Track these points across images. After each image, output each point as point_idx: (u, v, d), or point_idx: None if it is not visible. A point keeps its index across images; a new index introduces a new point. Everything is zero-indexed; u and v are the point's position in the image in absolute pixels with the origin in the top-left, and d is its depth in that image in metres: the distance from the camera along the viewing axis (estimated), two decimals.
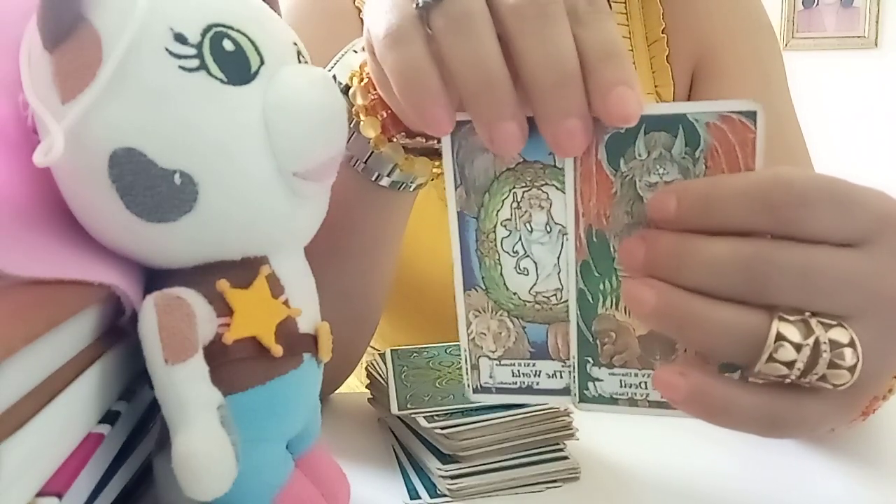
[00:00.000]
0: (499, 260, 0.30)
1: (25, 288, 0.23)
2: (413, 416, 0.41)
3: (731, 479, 0.41)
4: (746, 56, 0.65)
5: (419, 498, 0.39)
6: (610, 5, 0.66)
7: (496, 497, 0.39)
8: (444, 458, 0.39)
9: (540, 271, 0.29)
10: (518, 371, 0.31)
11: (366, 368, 0.51)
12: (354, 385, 0.71)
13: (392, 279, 0.51)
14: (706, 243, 0.25)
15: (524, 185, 0.29)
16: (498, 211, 0.29)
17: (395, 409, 0.42)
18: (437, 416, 0.41)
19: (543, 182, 0.28)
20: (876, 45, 2.72)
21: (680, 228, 0.26)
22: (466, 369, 0.31)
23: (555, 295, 0.29)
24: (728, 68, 0.64)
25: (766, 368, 0.24)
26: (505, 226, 0.29)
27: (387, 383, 0.45)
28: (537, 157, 0.28)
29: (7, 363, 0.19)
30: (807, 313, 0.24)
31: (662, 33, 0.65)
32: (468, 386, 0.31)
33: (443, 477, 0.39)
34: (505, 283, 0.30)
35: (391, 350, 0.48)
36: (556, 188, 0.28)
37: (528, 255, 0.29)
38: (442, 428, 0.39)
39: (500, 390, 0.31)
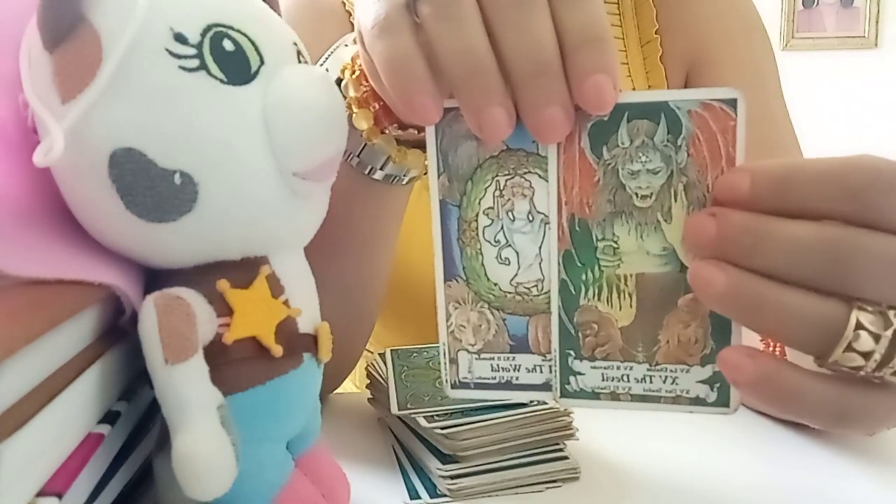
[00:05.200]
0: (480, 249, 0.29)
1: (25, 288, 0.22)
2: (413, 416, 0.41)
3: (732, 479, 0.41)
4: (740, 56, 0.65)
5: (419, 498, 0.39)
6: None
7: (496, 497, 0.39)
8: (444, 458, 0.39)
9: (521, 261, 0.29)
10: (497, 365, 0.30)
11: (366, 368, 0.51)
12: (350, 388, 0.71)
13: (389, 274, 0.51)
14: (786, 225, 0.24)
15: (507, 173, 0.28)
16: (480, 199, 0.29)
17: (395, 409, 0.42)
18: (437, 416, 0.41)
19: (526, 170, 0.28)
20: (876, 45, 2.72)
21: (751, 209, 0.25)
22: (445, 364, 0.31)
23: (536, 286, 0.29)
24: (722, 69, 0.65)
25: (842, 358, 0.24)
26: (487, 214, 0.29)
27: (387, 383, 0.45)
28: (521, 144, 0.28)
29: (7, 363, 0.19)
30: (883, 305, 0.24)
31: (656, 34, 0.65)
32: (446, 381, 0.31)
33: (443, 477, 0.39)
34: (486, 274, 0.29)
35: (391, 350, 0.48)
36: (539, 176, 0.28)
37: (509, 245, 0.29)
38: (442, 428, 0.39)
39: (478, 385, 0.31)
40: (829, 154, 0.26)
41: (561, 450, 0.41)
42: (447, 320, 0.30)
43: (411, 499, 0.39)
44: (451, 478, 0.39)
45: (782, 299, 0.24)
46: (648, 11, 0.66)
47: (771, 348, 0.41)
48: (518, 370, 0.30)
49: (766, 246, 0.24)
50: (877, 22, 2.70)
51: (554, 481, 0.40)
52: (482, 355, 0.30)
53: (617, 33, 0.66)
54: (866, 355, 0.24)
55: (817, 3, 2.72)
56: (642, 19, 0.66)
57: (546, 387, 0.30)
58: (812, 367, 0.25)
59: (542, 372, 0.30)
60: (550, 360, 0.29)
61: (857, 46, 2.72)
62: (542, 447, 0.41)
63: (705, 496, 0.39)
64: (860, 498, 0.39)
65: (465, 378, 0.31)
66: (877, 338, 0.23)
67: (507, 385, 0.30)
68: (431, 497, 0.38)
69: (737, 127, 0.26)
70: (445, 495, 0.38)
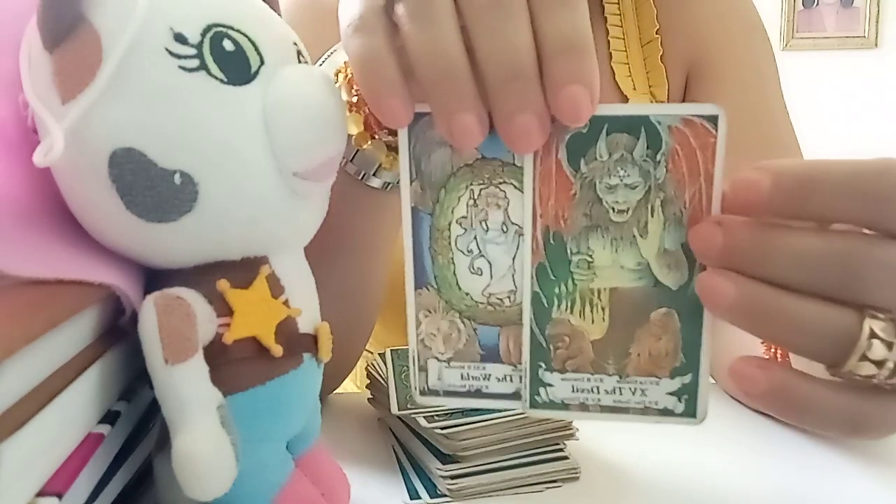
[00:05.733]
0: (452, 259, 0.29)
1: (25, 288, 0.22)
2: (413, 416, 0.41)
3: (731, 479, 0.41)
4: (741, 56, 0.65)
5: (419, 498, 0.39)
6: (603, 6, 0.67)
7: (496, 497, 0.39)
8: (444, 458, 0.40)
9: (494, 272, 0.29)
10: (467, 374, 0.30)
11: (366, 369, 0.51)
12: (350, 388, 0.70)
13: (389, 275, 0.51)
14: (797, 235, 0.24)
15: (482, 182, 0.28)
16: (453, 208, 0.28)
17: (395, 409, 0.42)
18: (437, 416, 0.41)
19: (502, 180, 0.28)
20: (876, 45, 2.72)
21: (768, 212, 0.24)
22: (414, 371, 0.30)
23: (508, 297, 0.29)
24: (723, 69, 0.65)
25: (855, 367, 0.24)
26: (460, 223, 0.28)
27: (387, 383, 0.45)
28: (496, 154, 0.28)
29: (7, 363, 0.19)
30: (894, 312, 0.24)
31: (656, 34, 0.65)
32: (415, 388, 0.30)
33: (443, 477, 0.39)
34: (458, 283, 0.29)
35: (391, 350, 0.48)
36: (515, 187, 0.28)
37: (482, 255, 0.29)
38: (442, 428, 0.39)
39: (447, 393, 0.30)
40: (829, 154, 0.26)
41: (561, 450, 0.41)
42: (417, 328, 0.30)
43: (411, 499, 0.39)
44: (451, 478, 0.39)
45: (795, 309, 0.24)
46: (649, 11, 0.66)
47: (772, 352, 0.41)
48: (488, 379, 0.30)
49: (777, 256, 0.24)
50: (877, 22, 2.71)
51: (554, 481, 0.40)
52: (452, 364, 0.30)
53: (617, 33, 0.66)
54: (879, 363, 0.23)
55: (817, 3, 2.72)
56: (643, 19, 0.66)
57: (516, 396, 0.30)
58: (820, 374, 0.25)
59: (511, 381, 0.29)
60: (521, 370, 0.29)
61: (857, 46, 2.73)
62: (542, 447, 0.41)
63: (705, 496, 0.39)
64: (860, 498, 0.39)
65: (435, 386, 0.30)
66: (889, 345, 0.23)
67: (477, 393, 0.30)
68: (431, 497, 0.38)
69: (717, 144, 0.25)
70: (445, 495, 0.38)
